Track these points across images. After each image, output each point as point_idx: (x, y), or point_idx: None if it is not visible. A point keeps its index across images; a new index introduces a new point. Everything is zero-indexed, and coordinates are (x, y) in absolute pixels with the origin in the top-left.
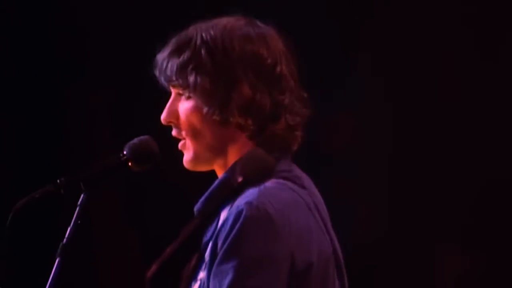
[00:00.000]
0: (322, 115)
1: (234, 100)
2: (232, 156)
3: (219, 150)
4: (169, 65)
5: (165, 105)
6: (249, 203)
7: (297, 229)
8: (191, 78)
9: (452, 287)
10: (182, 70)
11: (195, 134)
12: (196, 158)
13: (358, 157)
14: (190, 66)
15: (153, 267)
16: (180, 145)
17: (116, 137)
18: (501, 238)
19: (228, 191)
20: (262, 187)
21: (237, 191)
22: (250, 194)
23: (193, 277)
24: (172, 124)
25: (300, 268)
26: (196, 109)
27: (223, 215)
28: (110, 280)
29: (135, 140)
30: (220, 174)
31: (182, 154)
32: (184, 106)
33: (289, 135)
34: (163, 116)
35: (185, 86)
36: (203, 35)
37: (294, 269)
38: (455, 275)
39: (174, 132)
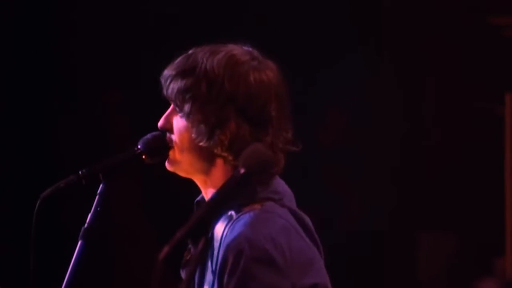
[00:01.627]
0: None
1: (219, 136)
2: (214, 177)
3: (200, 169)
4: (171, 86)
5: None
6: (248, 242)
7: (293, 257)
8: (187, 106)
9: (431, 268)
10: (181, 95)
11: (182, 149)
12: (176, 166)
13: (345, 150)
14: (189, 95)
15: (164, 250)
16: (172, 153)
17: (131, 133)
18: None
19: (233, 185)
20: (253, 217)
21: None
22: (244, 226)
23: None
24: (167, 131)
25: None
26: (186, 131)
27: (217, 234)
28: (126, 259)
29: (148, 135)
30: (201, 187)
31: None
32: (178, 123)
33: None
34: (160, 123)
35: (181, 109)
36: (207, 65)
37: None
38: (434, 256)
39: (167, 137)
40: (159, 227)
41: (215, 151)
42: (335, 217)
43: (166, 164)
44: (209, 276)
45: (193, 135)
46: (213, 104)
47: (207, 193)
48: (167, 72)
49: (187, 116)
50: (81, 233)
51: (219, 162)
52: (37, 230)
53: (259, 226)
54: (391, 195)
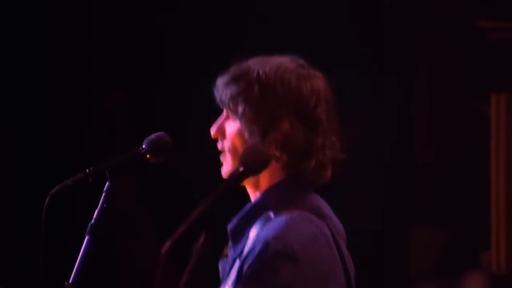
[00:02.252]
0: None
1: (273, 134)
2: (264, 180)
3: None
4: (225, 92)
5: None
6: (276, 237)
7: (317, 267)
8: (241, 107)
9: (422, 261)
10: (235, 98)
11: (235, 153)
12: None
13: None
14: (242, 96)
15: (167, 244)
16: (221, 157)
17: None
18: (459, 219)
19: (231, 182)
20: (288, 218)
21: (238, 181)
22: (278, 224)
23: (222, 285)
24: (219, 139)
25: None
26: (239, 133)
27: (252, 235)
28: (130, 254)
29: (152, 135)
30: (250, 192)
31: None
32: (231, 127)
33: (318, 173)
34: (212, 132)
35: (235, 112)
36: (260, 71)
37: None
38: (425, 249)
39: (219, 146)
40: (162, 222)
41: (269, 151)
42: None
43: (223, 174)
44: (232, 275)
45: (246, 136)
46: (265, 105)
47: (256, 196)
48: (220, 80)
49: (241, 118)
50: (88, 229)
51: (273, 164)
52: (46, 225)
53: (292, 227)
54: (383, 192)
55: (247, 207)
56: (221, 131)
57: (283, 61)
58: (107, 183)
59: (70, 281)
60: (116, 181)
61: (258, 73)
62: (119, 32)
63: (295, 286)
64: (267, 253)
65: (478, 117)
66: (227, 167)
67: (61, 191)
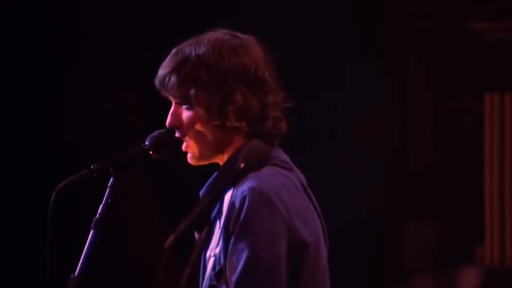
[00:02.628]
0: None
1: (230, 108)
2: (230, 152)
3: (218, 149)
4: (170, 82)
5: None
6: (251, 189)
7: (294, 208)
8: (192, 92)
9: (418, 254)
10: (182, 86)
11: (197, 138)
12: (199, 157)
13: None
14: (190, 82)
15: (170, 239)
16: (183, 146)
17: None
18: (454, 213)
19: (231, 177)
20: (260, 174)
21: (239, 176)
22: (250, 180)
23: (206, 251)
24: (176, 128)
25: (296, 244)
26: (197, 118)
27: (227, 197)
28: (136, 248)
29: (155, 132)
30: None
31: None
32: (186, 115)
33: (275, 128)
34: (168, 122)
35: (187, 99)
36: (197, 52)
37: (291, 244)
38: (420, 243)
39: (177, 134)
40: (166, 217)
41: (228, 123)
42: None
43: (189, 161)
44: (215, 237)
45: (205, 118)
46: (214, 83)
47: None
48: (161, 72)
49: (195, 102)
50: (93, 223)
51: (233, 135)
52: (53, 220)
53: (263, 180)
54: (380, 189)
55: (217, 172)
56: (177, 120)
57: (216, 36)
58: (111, 179)
59: (76, 273)
60: (120, 177)
61: (197, 55)
62: (128, 30)
63: (279, 230)
64: (246, 205)
65: (472, 115)
66: (193, 154)
67: (67, 186)
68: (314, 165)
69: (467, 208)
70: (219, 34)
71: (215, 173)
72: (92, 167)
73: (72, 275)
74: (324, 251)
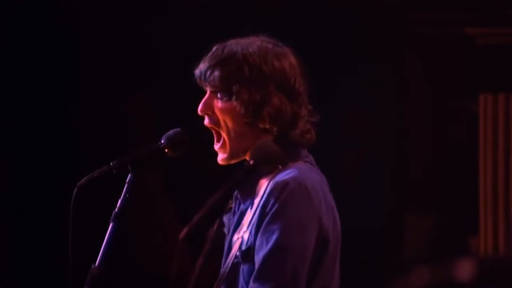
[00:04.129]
0: None
1: (266, 109)
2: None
3: (246, 147)
4: (213, 74)
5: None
6: (293, 178)
7: (325, 204)
8: (235, 87)
9: (415, 243)
10: (225, 79)
11: (229, 132)
12: (230, 155)
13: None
14: (234, 77)
15: (184, 231)
16: (216, 147)
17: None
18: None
19: (241, 173)
20: (299, 167)
21: (248, 172)
22: (290, 171)
23: (233, 235)
24: (207, 115)
25: (322, 238)
26: (232, 110)
27: (263, 187)
28: (150, 240)
29: (171, 131)
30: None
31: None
32: (222, 105)
33: (302, 138)
34: (200, 108)
35: (227, 92)
36: (244, 52)
37: (319, 238)
38: (417, 235)
39: (206, 121)
40: (180, 210)
41: (261, 124)
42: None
43: (219, 160)
44: (245, 223)
45: (240, 113)
46: (256, 84)
47: None
48: (205, 64)
49: (236, 97)
50: (112, 217)
51: (262, 136)
52: (75, 214)
53: (304, 172)
54: (379, 183)
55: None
56: (209, 107)
57: (261, 41)
58: (129, 175)
59: (96, 264)
60: (137, 173)
61: (244, 55)
62: (144, 31)
63: (311, 221)
64: (286, 191)
65: (467, 114)
66: (225, 151)
67: (88, 182)
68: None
69: (462, 201)
70: (263, 40)
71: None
72: (111, 163)
73: (93, 265)
74: (339, 252)
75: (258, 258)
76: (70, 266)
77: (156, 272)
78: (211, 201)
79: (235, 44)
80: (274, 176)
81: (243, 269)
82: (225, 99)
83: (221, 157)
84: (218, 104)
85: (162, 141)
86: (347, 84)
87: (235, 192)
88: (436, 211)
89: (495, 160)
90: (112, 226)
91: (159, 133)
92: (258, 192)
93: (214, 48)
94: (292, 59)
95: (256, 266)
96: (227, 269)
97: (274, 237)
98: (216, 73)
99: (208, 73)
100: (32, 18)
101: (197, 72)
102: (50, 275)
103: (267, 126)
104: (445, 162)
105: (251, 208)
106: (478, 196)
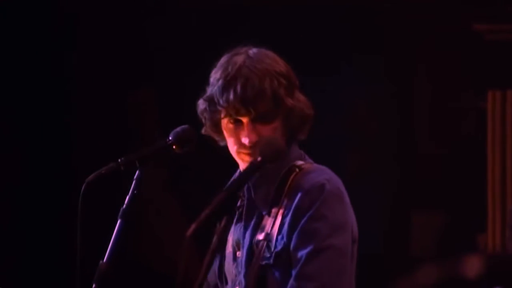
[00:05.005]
0: None
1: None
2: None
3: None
4: (252, 105)
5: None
6: (327, 180)
7: (350, 206)
8: (273, 111)
9: (423, 241)
10: (264, 107)
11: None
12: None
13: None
14: (271, 105)
15: (191, 227)
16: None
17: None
18: (457, 202)
19: (250, 170)
20: (320, 168)
21: (257, 169)
22: (318, 173)
23: (252, 237)
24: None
25: (352, 238)
26: (276, 130)
27: (287, 190)
28: (158, 236)
29: (178, 128)
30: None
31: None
32: (267, 130)
33: (306, 131)
34: (252, 139)
35: (266, 118)
36: (276, 69)
37: (352, 238)
38: (425, 232)
39: (252, 151)
40: (186, 207)
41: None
42: None
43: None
44: (268, 224)
45: (280, 129)
46: (282, 100)
47: None
48: (237, 95)
49: (273, 120)
50: (120, 213)
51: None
52: (83, 210)
53: (330, 173)
54: (387, 179)
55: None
56: (257, 136)
57: (260, 51)
58: (137, 171)
59: (104, 259)
60: (145, 169)
61: (275, 70)
62: (148, 27)
63: (347, 222)
64: (323, 193)
65: (475, 111)
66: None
67: (96, 179)
68: (321, 157)
69: (470, 198)
70: (261, 50)
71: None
72: (119, 160)
73: (100, 261)
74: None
75: (297, 258)
76: (79, 262)
77: (163, 269)
78: (219, 198)
79: (243, 57)
80: (296, 178)
81: (274, 271)
82: (263, 123)
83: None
84: (261, 129)
85: (170, 138)
86: (352, 79)
87: (245, 187)
88: (444, 208)
89: (504, 157)
90: (120, 223)
91: (163, 130)
92: (281, 194)
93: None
94: (277, 59)
95: (297, 266)
96: (254, 271)
97: (315, 238)
98: (256, 105)
99: (244, 103)
100: (31, 17)
101: (227, 101)
102: (56, 272)
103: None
104: (453, 159)
105: (275, 210)
106: (487, 193)
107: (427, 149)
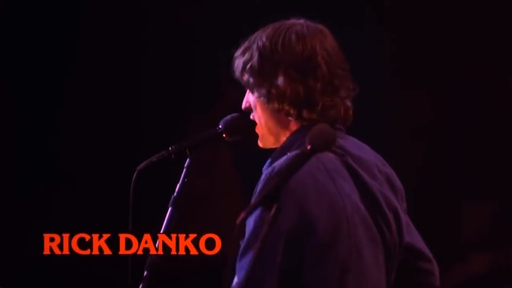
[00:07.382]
0: None
1: (273, 92)
2: (286, 135)
3: (276, 132)
4: (237, 65)
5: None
6: (277, 172)
7: (315, 197)
8: (245, 77)
9: (475, 232)
10: (243, 71)
11: (259, 120)
12: (263, 140)
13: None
14: (246, 68)
15: (241, 215)
16: (256, 128)
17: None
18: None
19: (299, 158)
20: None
21: (306, 157)
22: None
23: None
24: (248, 111)
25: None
26: (257, 101)
27: None
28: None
29: (228, 116)
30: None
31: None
32: (250, 98)
33: (324, 114)
34: (242, 106)
35: (246, 84)
36: (259, 43)
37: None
38: (478, 223)
39: (251, 117)
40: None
41: (277, 106)
42: None
43: (258, 142)
44: None
45: (262, 101)
46: (264, 69)
47: None
48: (235, 55)
49: (251, 88)
50: (171, 201)
51: (289, 120)
52: (134, 198)
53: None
54: (438, 170)
55: (274, 153)
56: (248, 103)
57: (283, 25)
58: (188, 159)
59: (156, 247)
60: (195, 158)
61: (258, 46)
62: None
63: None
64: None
65: None
66: (260, 136)
67: (147, 167)
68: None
69: None
70: (290, 23)
71: (274, 153)
72: (170, 148)
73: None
74: (348, 228)
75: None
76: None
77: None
78: (270, 185)
79: (259, 33)
80: None
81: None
82: (249, 90)
83: (258, 139)
84: (250, 97)
85: (220, 126)
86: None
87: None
88: (495, 198)
89: None
90: (171, 210)
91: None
92: None
93: (243, 48)
94: (314, 36)
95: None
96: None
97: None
98: (238, 64)
99: (234, 65)
100: (32, 16)
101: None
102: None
103: (279, 106)
104: (503, 148)
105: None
106: None
107: (476, 139)
